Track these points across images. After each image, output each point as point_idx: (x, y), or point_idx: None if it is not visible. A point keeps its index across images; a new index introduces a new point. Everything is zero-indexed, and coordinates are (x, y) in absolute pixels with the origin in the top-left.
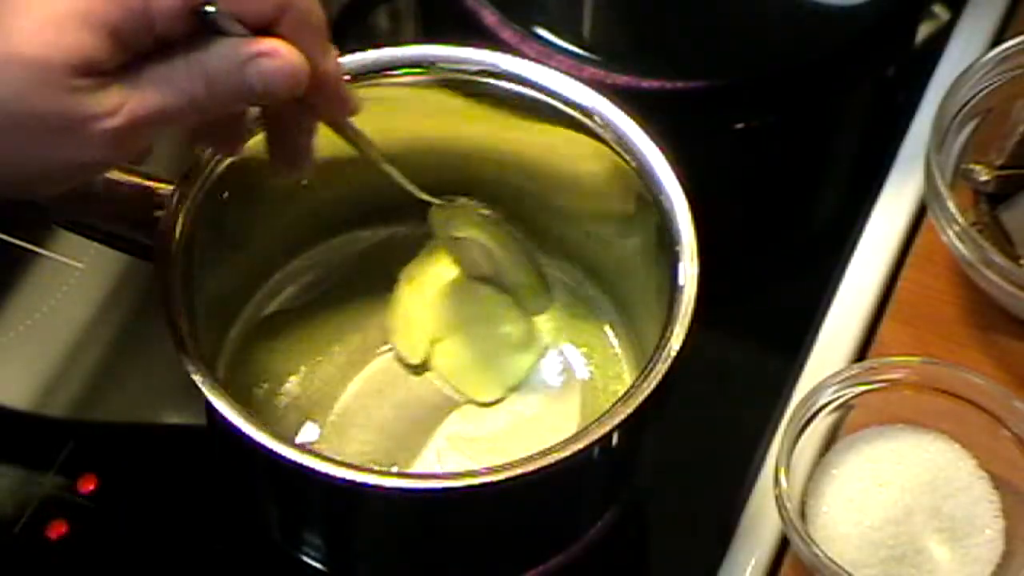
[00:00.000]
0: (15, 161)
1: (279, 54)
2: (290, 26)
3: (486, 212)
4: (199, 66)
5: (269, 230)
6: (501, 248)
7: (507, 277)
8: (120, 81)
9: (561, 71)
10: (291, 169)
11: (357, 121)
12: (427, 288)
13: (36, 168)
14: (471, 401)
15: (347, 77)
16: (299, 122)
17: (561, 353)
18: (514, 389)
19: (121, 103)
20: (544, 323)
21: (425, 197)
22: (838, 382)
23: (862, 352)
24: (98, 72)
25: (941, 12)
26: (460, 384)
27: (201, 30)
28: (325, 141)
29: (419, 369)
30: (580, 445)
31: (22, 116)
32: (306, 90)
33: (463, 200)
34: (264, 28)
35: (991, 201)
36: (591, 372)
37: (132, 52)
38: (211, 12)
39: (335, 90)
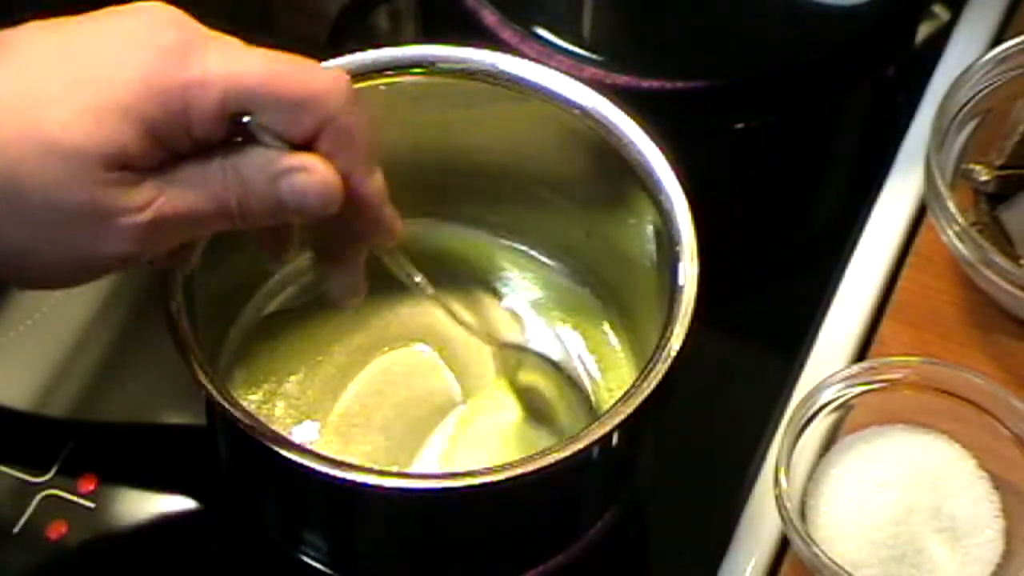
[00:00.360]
0: (40, 249)
1: (314, 170)
2: (330, 143)
3: (552, 359)
4: (234, 173)
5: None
6: (560, 398)
7: (561, 423)
8: (154, 178)
9: (561, 71)
10: (346, 299)
11: None
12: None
13: (58, 257)
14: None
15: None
16: (347, 248)
17: (561, 353)
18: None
19: (151, 199)
20: (543, 322)
21: (485, 340)
22: (838, 382)
23: (862, 352)
24: (133, 167)
25: (941, 12)
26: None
27: (238, 138)
28: None
29: None
30: (580, 445)
31: (55, 204)
32: (346, 212)
33: (525, 348)
34: (303, 143)
35: (991, 201)
36: (591, 372)
37: (168, 151)
38: (247, 121)
39: (376, 213)
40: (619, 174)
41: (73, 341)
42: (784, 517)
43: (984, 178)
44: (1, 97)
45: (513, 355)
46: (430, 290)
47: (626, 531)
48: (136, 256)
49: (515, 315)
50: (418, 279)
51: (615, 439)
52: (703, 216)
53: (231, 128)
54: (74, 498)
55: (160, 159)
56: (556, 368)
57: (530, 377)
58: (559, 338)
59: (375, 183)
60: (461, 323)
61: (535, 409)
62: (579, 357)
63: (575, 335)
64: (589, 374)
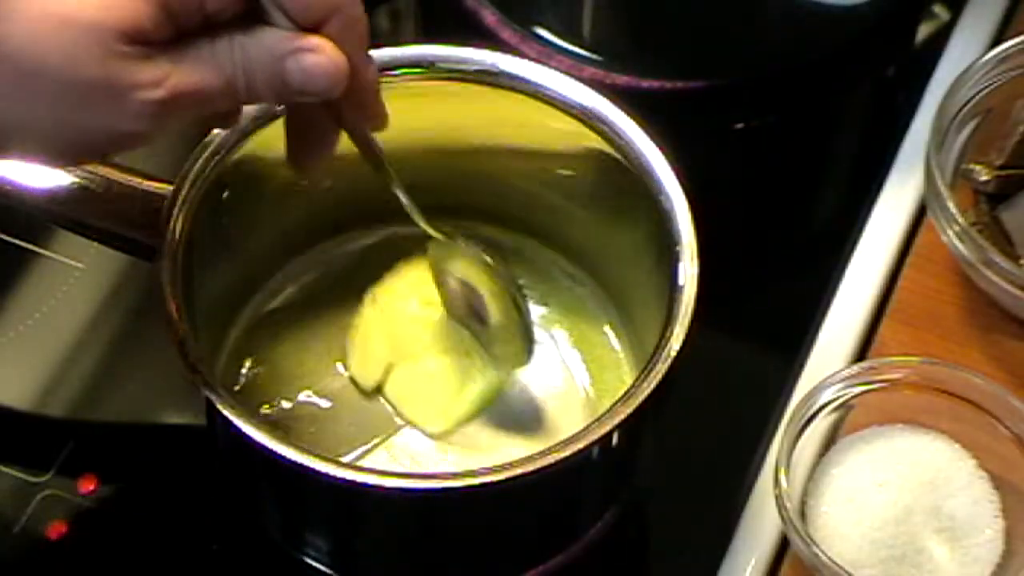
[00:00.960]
0: (54, 127)
1: (323, 50)
2: (337, 28)
3: (488, 259)
4: (242, 51)
5: (269, 230)
6: (494, 299)
7: (491, 331)
8: (166, 54)
9: (561, 71)
10: (302, 171)
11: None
12: (390, 312)
13: (72, 135)
14: (419, 430)
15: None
16: (324, 128)
17: (561, 353)
18: (464, 422)
19: (164, 76)
20: (543, 322)
21: (429, 230)
22: (838, 382)
23: (862, 352)
24: (146, 42)
25: (941, 12)
26: (410, 413)
27: (249, 16)
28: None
29: (371, 394)
30: (580, 445)
31: (71, 79)
32: (341, 94)
33: (463, 242)
34: (311, 27)
35: (991, 201)
36: (591, 372)
37: (181, 26)
38: None
39: (369, 100)
40: (619, 174)
41: (73, 341)
42: (784, 517)
43: (984, 178)
44: None
45: (449, 248)
46: (392, 175)
47: (626, 531)
48: (145, 135)
49: None
50: (383, 163)
51: (615, 439)
52: (703, 216)
53: (242, 4)
54: (74, 498)
55: (172, 34)
56: (494, 272)
57: (463, 274)
58: (558, 338)
59: (373, 71)
60: (410, 213)
61: (460, 307)
62: (578, 357)
63: (575, 335)
64: (588, 374)
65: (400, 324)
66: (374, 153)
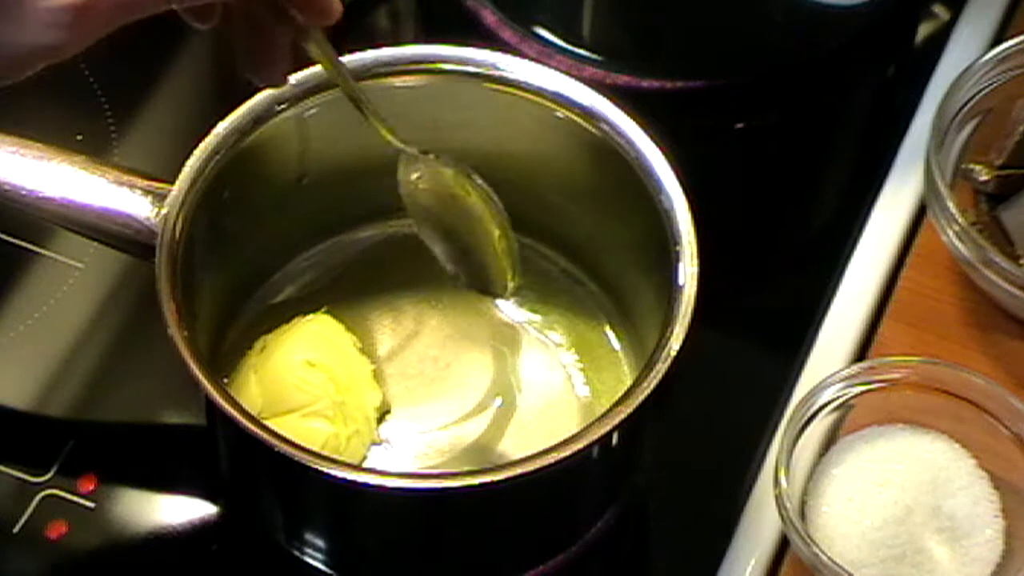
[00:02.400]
0: None
1: None
2: None
3: (472, 176)
4: None
5: (269, 230)
6: (472, 218)
7: (472, 251)
8: None
9: (561, 71)
10: (261, 76)
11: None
12: (271, 365)
13: None
14: None
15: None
16: (273, 31)
17: (560, 354)
18: None
19: None
20: (543, 322)
21: (397, 143)
22: (838, 382)
23: (862, 352)
24: None
25: (941, 12)
26: None
27: None
28: (326, 142)
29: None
30: (580, 445)
31: None
32: None
33: (441, 157)
34: None
35: (991, 201)
36: (590, 372)
37: None
38: None
39: None
40: (619, 174)
41: (73, 341)
42: (784, 517)
43: (984, 178)
44: None
45: (423, 163)
46: (350, 83)
47: (626, 531)
48: (64, 46)
49: (514, 315)
50: (340, 68)
51: (615, 439)
52: (703, 216)
53: None
54: (74, 498)
55: None
56: (469, 182)
57: (436, 189)
58: (558, 338)
59: None
60: (374, 124)
61: (438, 223)
62: (578, 357)
63: (574, 335)
64: (587, 374)
65: (277, 380)
66: (327, 55)
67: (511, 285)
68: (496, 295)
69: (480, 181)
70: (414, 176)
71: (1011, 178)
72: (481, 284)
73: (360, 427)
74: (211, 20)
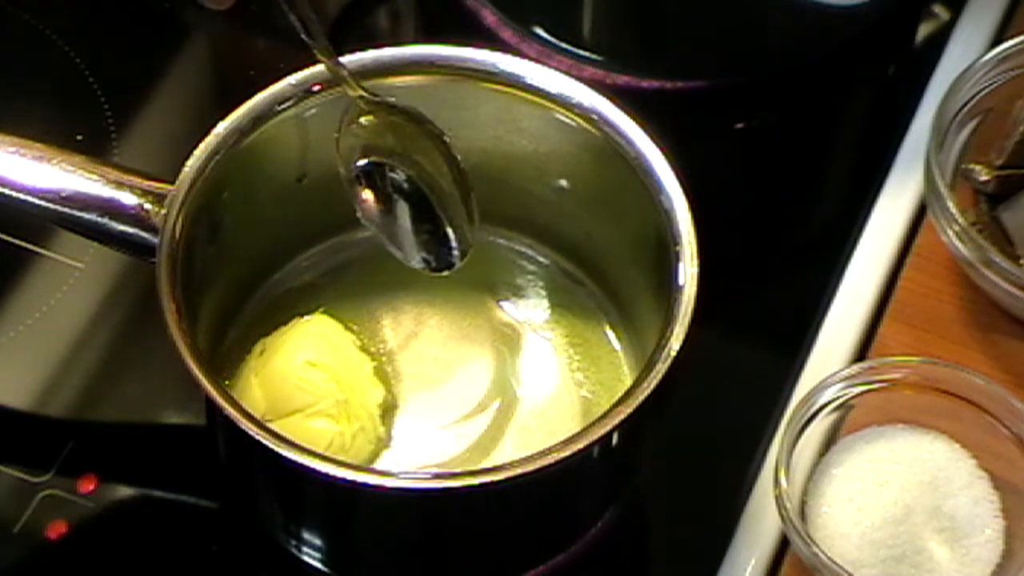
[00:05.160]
0: None
1: None
2: None
3: (426, 123)
4: None
5: (269, 230)
6: (421, 152)
7: (438, 198)
8: None
9: (561, 71)
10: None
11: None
12: (272, 368)
13: None
14: None
15: None
16: None
17: (560, 354)
18: None
19: None
20: (543, 322)
21: (351, 86)
22: (838, 382)
23: (862, 352)
24: None
25: (941, 12)
26: None
27: None
28: (326, 142)
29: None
30: (580, 445)
31: None
32: None
33: (394, 102)
34: None
35: (991, 201)
36: (590, 372)
37: None
38: None
39: None
40: (619, 174)
41: (73, 341)
42: (784, 517)
43: (984, 178)
44: None
45: (385, 111)
46: (321, 39)
47: (626, 531)
48: None
49: (514, 315)
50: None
51: (615, 439)
52: (703, 216)
53: None
54: (74, 498)
55: None
56: (428, 136)
57: (394, 129)
58: (558, 338)
59: None
60: (327, 64)
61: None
62: (578, 357)
63: (574, 336)
64: (587, 374)
65: (279, 382)
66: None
67: (469, 235)
68: (456, 258)
69: (431, 125)
70: (363, 122)
71: (1011, 178)
72: (442, 252)
73: (364, 424)
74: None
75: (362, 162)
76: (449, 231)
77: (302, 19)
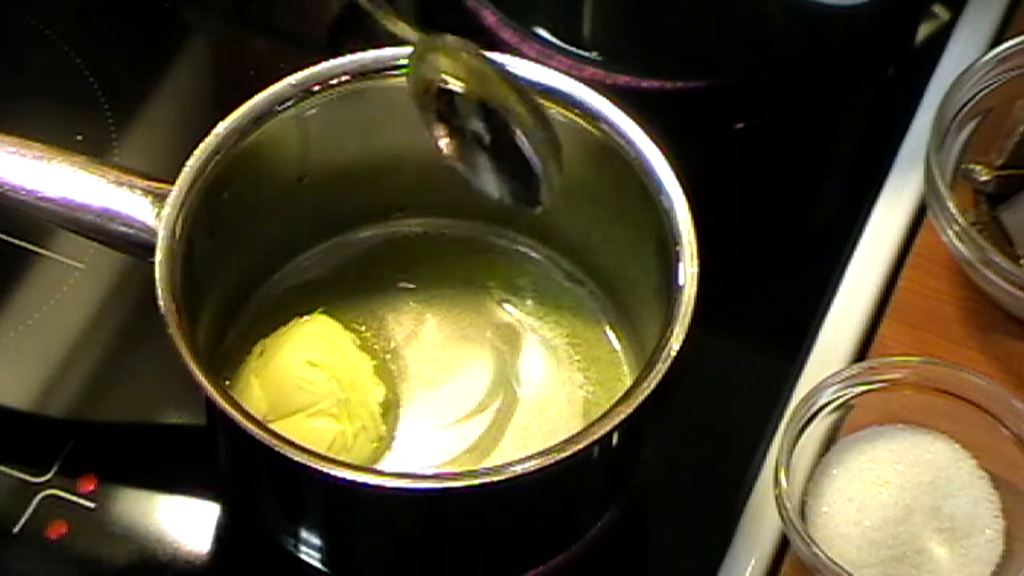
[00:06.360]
0: None
1: None
2: None
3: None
4: None
5: (269, 230)
6: (497, 107)
7: (505, 146)
8: None
9: (561, 71)
10: None
11: (355, 118)
12: (272, 368)
13: None
14: None
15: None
16: None
17: (560, 354)
18: None
19: None
20: (543, 322)
21: (409, 31)
22: (838, 382)
23: (862, 352)
24: None
25: (941, 12)
26: None
27: None
28: (326, 142)
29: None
30: (580, 445)
31: None
32: None
33: (453, 40)
34: None
35: (991, 201)
36: (590, 373)
37: None
38: None
39: None
40: (619, 174)
41: (73, 341)
42: (784, 517)
43: (984, 178)
44: None
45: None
46: None
47: (626, 531)
48: None
49: (514, 315)
50: None
51: (615, 439)
52: (703, 216)
53: None
54: (74, 498)
55: None
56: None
57: (459, 80)
58: (558, 338)
59: None
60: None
61: (462, 119)
62: (578, 357)
63: (574, 336)
64: (587, 374)
65: (279, 382)
66: None
67: (554, 180)
68: (538, 200)
69: (500, 63)
70: (438, 67)
71: (1011, 178)
72: (521, 189)
73: (366, 423)
74: None
75: (446, 93)
76: (536, 163)
77: None
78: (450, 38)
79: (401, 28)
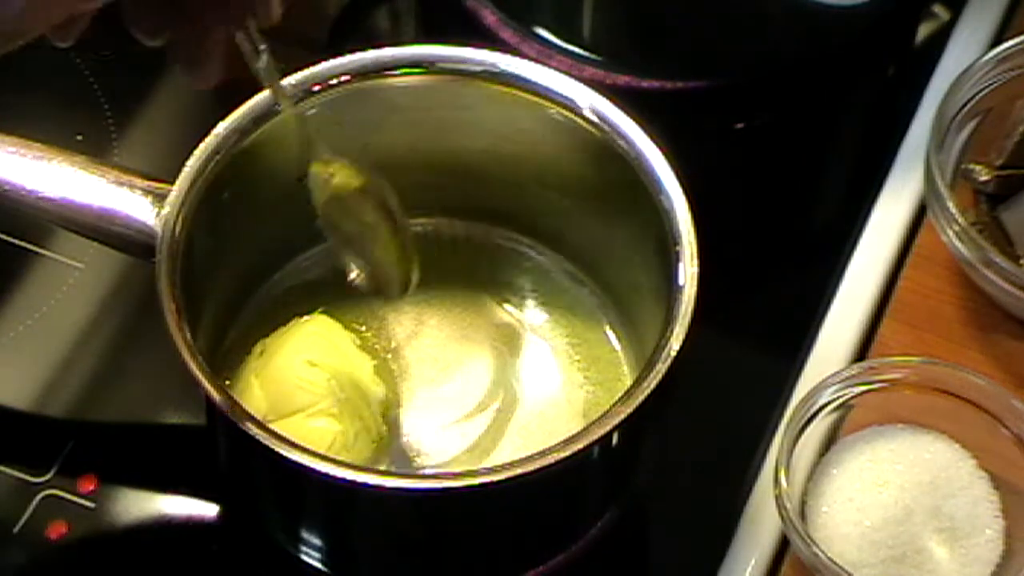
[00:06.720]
0: None
1: None
2: None
3: (371, 177)
4: None
5: (269, 229)
6: (370, 217)
7: (369, 249)
8: None
9: (561, 71)
10: (193, 74)
11: (355, 118)
12: (272, 368)
13: None
14: None
15: (346, 77)
16: (211, 24)
17: (561, 354)
18: None
19: None
20: (543, 322)
21: (319, 150)
22: (838, 382)
23: (862, 352)
24: None
25: (941, 12)
26: None
27: None
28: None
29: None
30: (580, 445)
31: None
32: None
33: (344, 161)
34: None
35: (991, 201)
36: (591, 372)
37: None
38: None
39: None
40: (619, 174)
41: (73, 341)
42: (784, 517)
43: (984, 178)
44: None
45: (332, 166)
46: (281, 91)
47: (626, 531)
48: (15, 34)
49: (514, 315)
50: (273, 76)
51: (615, 439)
52: (703, 216)
53: None
54: (74, 498)
55: None
56: (372, 191)
57: (341, 191)
58: (558, 338)
59: None
60: (302, 134)
61: (343, 229)
62: (578, 357)
63: (574, 336)
64: (588, 374)
65: (279, 382)
66: (255, 48)
67: (411, 282)
68: (391, 296)
69: (376, 177)
70: (326, 176)
71: (1011, 178)
72: (379, 286)
73: (367, 423)
74: (210, 79)
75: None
76: (389, 268)
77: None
78: (342, 160)
79: (279, 96)
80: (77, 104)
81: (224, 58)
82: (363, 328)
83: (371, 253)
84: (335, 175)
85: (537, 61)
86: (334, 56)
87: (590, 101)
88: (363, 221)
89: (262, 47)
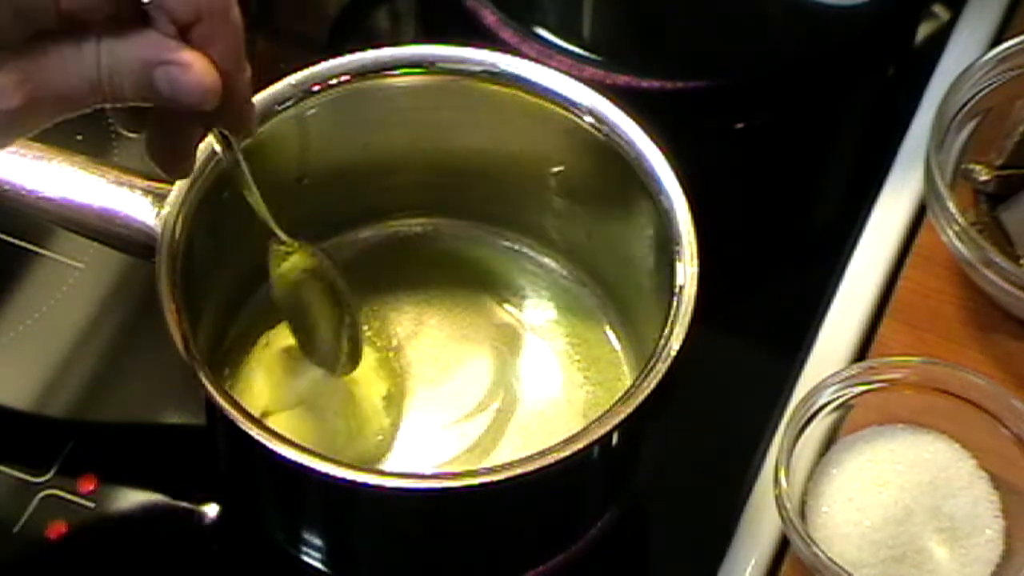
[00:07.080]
0: None
1: (192, 69)
2: (209, 28)
3: (323, 261)
4: (110, 54)
5: (269, 230)
6: (318, 299)
7: (314, 327)
8: (22, 57)
9: (561, 71)
10: (168, 169)
11: (355, 118)
12: (276, 361)
13: None
14: None
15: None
16: (188, 125)
17: (561, 354)
18: None
19: (18, 82)
20: (543, 322)
21: (278, 233)
22: (838, 382)
23: (862, 352)
24: None
25: (941, 12)
26: None
27: (124, 18)
28: (326, 142)
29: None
30: (580, 445)
31: None
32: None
33: (301, 244)
34: (188, 20)
35: (991, 201)
36: (591, 372)
37: (37, 26)
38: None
39: (239, 108)
40: (619, 174)
41: (73, 341)
42: (784, 517)
43: (984, 178)
44: None
45: (288, 248)
46: (247, 182)
47: (626, 531)
48: (5, 141)
49: (514, 315)
50: (237, 166)
51: (615, 439)
52: (703, 216)
53: (116, 5)
54: (74, 498)
55: (26, 34)
56: (323, 274)
57: (294, 274)
58: (558, 338)
59: (245, 77)
60: (263, 217)
61: (295, 310)
62: (578, 357)
63: (574, 336)
64: (588, 374)
65: (283, 374)
66: (232, 156)
67: (346, 367)
68: (333, 373)
69: (329, 264)
70: (282, 255)
71: (1011, 178)
72: (325, 362)
73: (369, 416)
74: (187, 170)
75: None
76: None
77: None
78: (299, 244)
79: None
80: None
81: (195, 156)
82: (363, 327)
83: (316, 331)
84: (290, 255)
85: (537, 61)
86: (334, 56)
87: (590, 101)
88: (311, 301)
89: (236, 146)
